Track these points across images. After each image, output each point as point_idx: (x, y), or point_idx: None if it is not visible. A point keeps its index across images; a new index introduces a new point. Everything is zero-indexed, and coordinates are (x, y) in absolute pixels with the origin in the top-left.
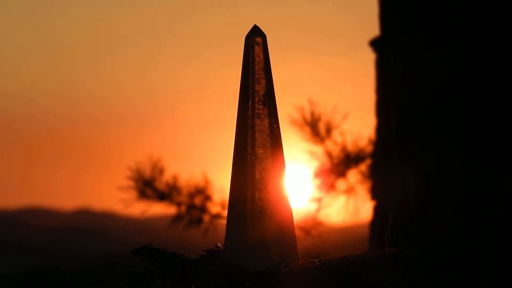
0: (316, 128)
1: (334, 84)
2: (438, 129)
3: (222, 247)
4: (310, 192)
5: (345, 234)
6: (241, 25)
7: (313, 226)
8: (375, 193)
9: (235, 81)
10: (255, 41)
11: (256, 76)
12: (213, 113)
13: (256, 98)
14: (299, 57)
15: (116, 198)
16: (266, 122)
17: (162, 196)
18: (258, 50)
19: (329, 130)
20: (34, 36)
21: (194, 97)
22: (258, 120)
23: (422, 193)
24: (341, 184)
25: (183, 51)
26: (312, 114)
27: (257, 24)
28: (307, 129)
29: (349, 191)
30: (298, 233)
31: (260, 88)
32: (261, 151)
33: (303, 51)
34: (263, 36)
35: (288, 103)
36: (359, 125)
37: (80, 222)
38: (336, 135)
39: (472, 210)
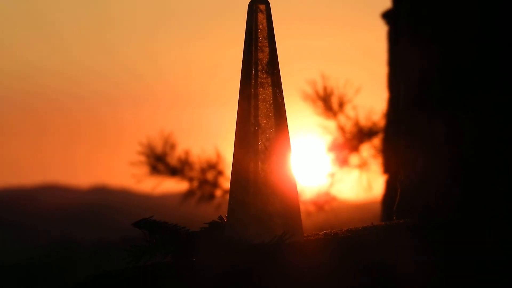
0: (328, 102)
1: (347, 57)
2: (447, 101)
3: (225, 220)
4: (323, 167)
5: (361, 210)
6: None
7: (326, 201)
8: (387, 167)
9: None
10: (258, 8)
11: (259, 44)
12: (229, 88)
13: (259, 67)
14: (313, 28)
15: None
16: (269, 91)
17: (174, 171)
18: (261, 17)
19: (341, 104)
20: (43, 17)
21: (208, 73)
22: (261, 89)
23: (429, 166)
24: (354, 158)
25: (196, 24)
26: (325, 88)
27: None
28: (320, 104)
29: (362, 165)
30: (311, 208)
31: (263, 56)
32: (265, 121)
33: (317, 22)
34: (267, 3)
35: (300, 77)
36: (372, 99)
37: (97, 199)
38: (349, 109)
39: (479, 184)
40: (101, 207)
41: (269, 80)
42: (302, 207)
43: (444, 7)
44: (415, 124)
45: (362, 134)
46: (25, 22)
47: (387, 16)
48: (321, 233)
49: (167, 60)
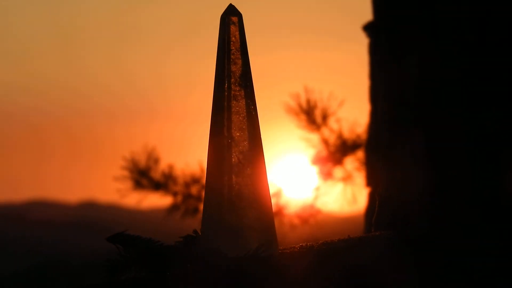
0: (312, 115)
1: (330, 72)
2: (425, 114)
3: (200, 233)
4: (307, 180)
5: (348, 223)
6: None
7: (311, 214)
8: (370, 180)
9: None
10: (231, 20)
11: (232, 56)
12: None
13: (232, 79)
14: (296, 41)
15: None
16: (242, 103)
17: (158, 185)
18: (234, 29)
19: (325, 117)
20: (47, 28)
21: (186, 87)
22: (234, 102)
23: (407, 179)
24: (338, 171)
25: (169, 38)
26: (308, 102)
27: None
28: (303, 117)
29: (347, 178)
30: (296, 221)
31: (236, 69)
32: (238, 134)
33: (300, 35)
34: (239, 15)
35: (283, 91)
36: (355, 112)
37: (85, 214)
38: (332, 122)
39: (455, 197)
40: (89, 223)
41: (242, 92)
42: (286, 220)
43: (423, 22)
44: (393, 138)
45: (346, 147)
46: (30, 31)
47: (368, 28)
48: (296, 246)
49: (141, 76)
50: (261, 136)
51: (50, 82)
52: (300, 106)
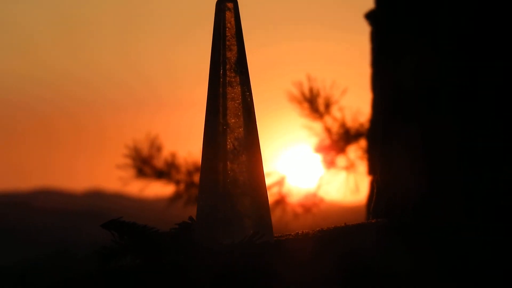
0: (315, 104)
1: (333, 61)
2: (425, 103)
3: (195, 220)
4: (310, 169)
5: (351, 212)
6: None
7: (314, 203)
8: (371, 168)
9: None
10: (226, 6)
11: (227, 43)
12: None
13: (228, 66)
14: (299, 30)
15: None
16: (238, 90)
17: (160, 174)
18: (229, 15)
19: (328, 105)
20: (54, 19)
21: (194, 76)
22: (229, 88)
23: (404, 168)
24: (341, 160)
25: (176, 28)
26: (311, 90)
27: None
28: (306, 105)
29: (349, 167)
30: (298, 210)
31: (231, 55)
32: (233, 120)
33: (303, 24)
34: (234, 1)
35: (286, 79)
36: (358, 101)
37: (92, 203)
38: (335, 110)
39: (452, 185)
40: (95, 211)
41: (238, 79)
42: (289, 209)
43: (420, 15)
44: (390, 126)
45: (348, 136)
46: (40, 23)
47: (370, 16)
48: (292, 234)
49: (149, 65)
50: (258, 123)
51: (57, 72)
52: (303, 94)
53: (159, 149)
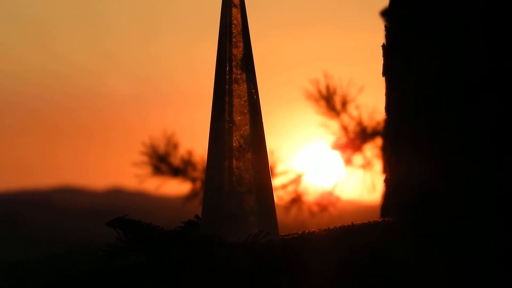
0: (331, 102)
1: (349, 58)
2: (433, 102)
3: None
4: (326, 167)
5: (368, 211)
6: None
7: (330, 202)
8: (385, 167)
9: (275, 63)
10: (232, 2)
11: (233, 39)
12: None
13: (234, 63)
14: (316, 31)
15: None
16: (244, 87)
17: (177, 171)
18: (235, 12)
19: (344, 103)
20: (77, 14)
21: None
22: (235, 86)
23: (413, 166)
24: (357, 158)
25: (201, 24)
26: (328, 88)
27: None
28: (323, 103)
29: (366, 166)
30: (314, 208)
31: (237, 52)
32: (239, 118)
33: (320, 22)
34: None
35: (303, 77)
36: (375, 99)
37: (112, 201)
38: (352, 109)
39: (461, 183)
40: (116, 209)
41: (244, 76)
42: (306, 208)
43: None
44: (398, 125)
45: (365, 134)
46: (23, 25)
47: (385, 14)
48: (298, 232)
49: (173, 62)
50: (274, 121)
51: (78, 67)
52: (319, 92)
53: (175, 146)
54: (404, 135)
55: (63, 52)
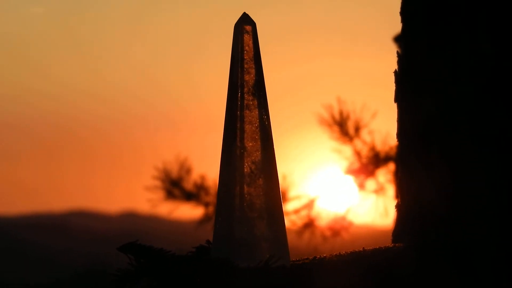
0: (344, 127)
1: (363, 82)
2: (445, 126)
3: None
4: (339, 192)
5: (382, 235)
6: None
7: (343, 227)
8: (397, 192)
9: (283, 85)
10: (244, 29)
11: (245, 65)
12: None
13: (245, 89)
14: (330, 58)
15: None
16: (255, 113)
17: (190, 196)
18: (247, 38)
19: (358, 129)
20: (78, 40)
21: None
22: (247, 112)
23: (424, 191)
24: (370, 183)
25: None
26: (341, 113)
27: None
28: (336, 128)
29: (379, 191)
30: (327, 233)
31: (249, 78)
32: (250, 144)
33: (333, 46)
34: (253, 24)
35: (317, 101)
36: (388, 124)
37: (126, 225)
38: (365, 134)
39: (471, 207)
40: (130, 233)
41: (255, 102)
42: (318, 232)
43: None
44: (410, 149)
45: (378, 159)
46: (61, 43)
47: (399, 39)
48: (309, 258)
49: (205, 84)
50: (287, 146)
51: (82, 92)
52: (333, 117)
53: (188, 171)
54: (416, 160)
55: (65, 77)
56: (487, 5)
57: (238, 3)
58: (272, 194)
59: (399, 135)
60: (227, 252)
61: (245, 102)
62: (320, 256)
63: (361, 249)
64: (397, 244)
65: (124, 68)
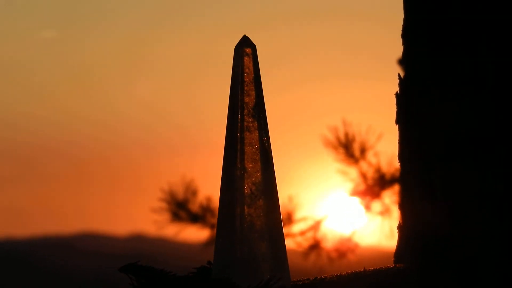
0: (350, 149)
1: (368, 105)
2: (445, 147)
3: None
4: (345, 214)
5: (387, 257)
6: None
7: (349, 248)
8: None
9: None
10: (245, 51)
11: (245, 88)
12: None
13: (246, 111)
14: (335, 81)
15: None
16: (255, 135)
17: (196, 218)
18: (247, 60)
19: (363, 151)
20: (78, 66)
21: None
22: (247, 133)
23: (426, 212)
24: (376, 205)
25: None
26: (346, 135)
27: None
28: (341, 150)
29: (384, 212)
30: (333, 255)
31: (249, 100)
32: (251, 165)
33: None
34: (253, 47)
35: (322, 124)
36: (394, 146)
37: (134, 247)
38: (370, 156)
39: (474, 229)
40: (139, 256)
41: (256, 124)
42: (324, 254)
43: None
44: (413, 171)
45: (384, 181)
46: (64, 71)
47: (403, 62)
48: (310, 278)
49: (207, 109)
50: (292, 168)
51: (86, 119)
52: (338, 139)
53: (194, 193)
54: (417, 181)
55: (63, 101)
56: (488, 27)
57: (238, 26)
58: (273, 215)
59: (401, 156)
60: (228, 273)
61: (245, 124)
62: (321, 276)
63: (362, 269)
64: (397, 265)
65: (125, 95)
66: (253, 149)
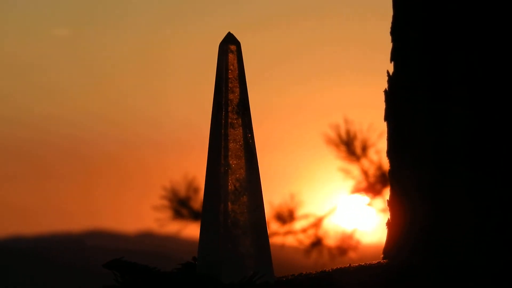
0: (351, 146)
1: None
2: (434, 147)
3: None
4: (346, 211)
5: None
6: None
7: (350, 246)
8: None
9: (295, 104)
10: (229, 48)
11: (229, 84)
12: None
13: (230, 108)
14: (336, 78)
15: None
16: (239, 132)
17: (197, 215)
18: (232, 58)
19: (364, 148)
20: (91, 65)
21: (267, 119)
22: (231, 130)
23: (414, 210)
24: (377, 202)
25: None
26: (348, 133)
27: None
28: (343, 148)
29: (386, 209)
30: (335, 252)
31: (233, 97)
32: (235, 162)
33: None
34: (237, 44)
35: (323, 122)
36: None
37: (143, 245)
38: (372, 153)
39: (458, 227)
40: (147, 253)
41: (240, 121)
42: (325, 251)
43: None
44: (400, 168)
45: (385, 178)
46: (76, 68)
47: (394, 33)
48: (295, 274)
49: (182, 106)
50: (294, 165)
51: (95, 116)
52: (339, 137)
53: (196, 190)
54: (407, 178)
55: (74, 100)
56: (477, 25)
57: (239, 26)
58: (256, 212)
59: (389, 153)
60: (212, 269)
61: (230, 120)
62: (306, 272)
63: (347, 265)
64: (381, 261)
65: (134, 90)
66: (237, 146)
